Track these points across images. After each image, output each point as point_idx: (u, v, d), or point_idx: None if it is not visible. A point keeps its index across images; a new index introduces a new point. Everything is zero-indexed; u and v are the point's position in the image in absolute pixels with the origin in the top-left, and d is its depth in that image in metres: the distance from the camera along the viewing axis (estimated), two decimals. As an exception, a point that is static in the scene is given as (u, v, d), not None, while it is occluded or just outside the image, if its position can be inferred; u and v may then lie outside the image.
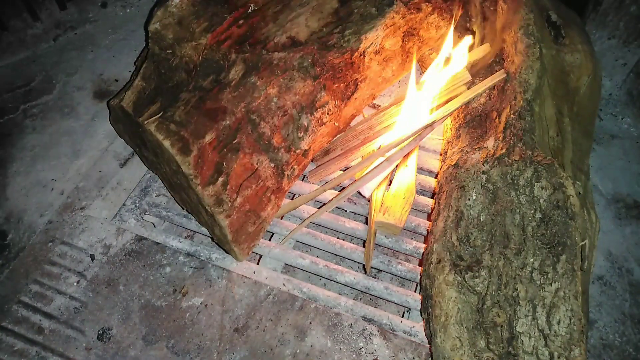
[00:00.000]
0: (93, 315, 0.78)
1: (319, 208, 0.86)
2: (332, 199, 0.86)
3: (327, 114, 0.84)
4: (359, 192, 0.87)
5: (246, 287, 0.80)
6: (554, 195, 0.66)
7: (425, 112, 0.88)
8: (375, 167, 0.83)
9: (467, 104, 0.88)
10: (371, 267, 0.80)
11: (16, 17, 1.20)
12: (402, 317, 0.79)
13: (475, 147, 0.78)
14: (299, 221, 0.87)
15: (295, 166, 0.82)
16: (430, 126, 0.84)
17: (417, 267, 0.81)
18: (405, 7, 0.90)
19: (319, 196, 0.88)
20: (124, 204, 0.91)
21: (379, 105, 1.04)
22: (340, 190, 0.87)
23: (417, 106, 0.88)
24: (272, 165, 0.79)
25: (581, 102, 0.86)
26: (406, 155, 0.88)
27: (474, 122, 0.84)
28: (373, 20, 0.87)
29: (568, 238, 0.63)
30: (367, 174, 0.83)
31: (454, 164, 0.78)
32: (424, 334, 0.73)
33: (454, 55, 0.90)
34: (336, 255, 0.87)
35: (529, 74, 0.78)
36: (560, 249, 0.63)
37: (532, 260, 0.63)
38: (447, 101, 0.88)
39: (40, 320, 0.78)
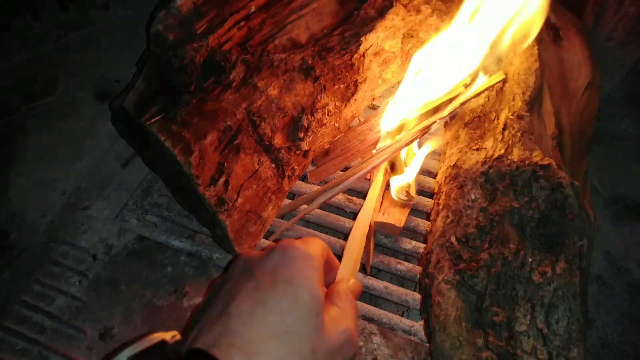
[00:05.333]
0: (95, 315, 0.78)
1: (318, 206, 0.86)
2: (323, 187, 0.86)
3: (327, 115, 0.85)
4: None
5: (247, 287, 0.80)
6: (553, 195, 0.66)
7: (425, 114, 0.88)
8: (373, 167, 0.84)
9: (466, 104, 0.88)
10: (371, 266, 0.81)
11: (18, 18, 1.21)
12: (402, 316, 0.79)
13: (474, 147, 0.78)
14: (299, 221, 0.87)
15: (296, 167, 0.83)
16: (428, 127, 0.84)
17: (417, 266, 0.81)
18: (405, 8, 0.91)
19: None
20: (125, 204, 0.92)
21: (379, 107, 1.04)
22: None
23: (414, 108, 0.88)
24: (273, 165, 0.79)
25: (580, 102, 0.87)
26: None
27: (472, 122, 0.85)
28: (372, 22, 0.88)
29: (566, 238, 0.64)
30: (365, 171, 0.84)
31: (453, 165, 0.78)
32: (423, 333, 0.74)
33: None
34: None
35: (527, 75, 0.79)
36: (558, 249, 0.63)
37: (530, 260, 0.63)
38: (446, 102, 0.88)
39: (42, 319, 0.78)
